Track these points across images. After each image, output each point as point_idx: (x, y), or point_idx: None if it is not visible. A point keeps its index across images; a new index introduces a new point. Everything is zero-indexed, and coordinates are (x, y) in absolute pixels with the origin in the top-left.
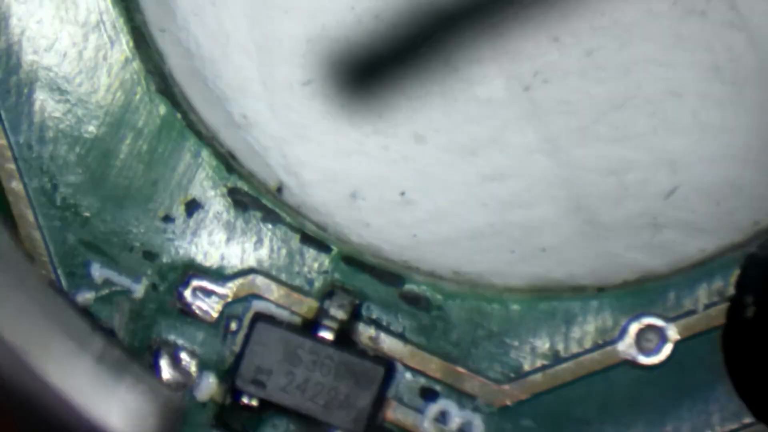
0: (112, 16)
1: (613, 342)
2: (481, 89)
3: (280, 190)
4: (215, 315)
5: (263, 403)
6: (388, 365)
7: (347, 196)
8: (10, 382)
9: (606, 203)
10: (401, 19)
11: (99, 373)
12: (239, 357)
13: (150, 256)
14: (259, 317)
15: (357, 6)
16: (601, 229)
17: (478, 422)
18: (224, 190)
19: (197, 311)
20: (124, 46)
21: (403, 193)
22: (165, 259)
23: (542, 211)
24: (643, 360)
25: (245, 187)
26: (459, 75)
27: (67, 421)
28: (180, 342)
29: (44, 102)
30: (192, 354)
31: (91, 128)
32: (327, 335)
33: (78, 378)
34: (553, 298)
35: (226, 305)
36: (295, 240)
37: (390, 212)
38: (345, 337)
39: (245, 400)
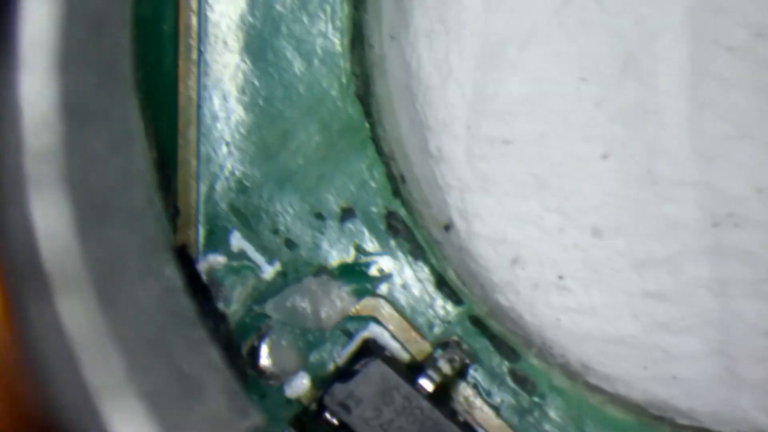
0: (339, 8)
1: None
2: (674, 209)
3: (448, 228)
4: (332, 323)
5: (342, 425)
6: None
7: (508, 260)
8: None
9: (752, 359)
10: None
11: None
12: (338, 373)
13: (291, 244)
14: (372, 344)
15: (582, 87)
16: (737, 380)
17: None
18: (383, 211)
19: (316, 312)
20: (338, 40)
21: (561, 277)
22: (304, 253)
23: (688, 342)
24: None
25: (404, 215)
26: (657, 187)
27: None
28: (289, 335)
29: (248, 67)
30: (296, 350)
31: (281, 105)
32: (427, 385)
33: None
34: (655, 429)
35: (346, 318)
36: (431, 282)
37: (543, 290)
38: (443, 390)
39: (328, 416)
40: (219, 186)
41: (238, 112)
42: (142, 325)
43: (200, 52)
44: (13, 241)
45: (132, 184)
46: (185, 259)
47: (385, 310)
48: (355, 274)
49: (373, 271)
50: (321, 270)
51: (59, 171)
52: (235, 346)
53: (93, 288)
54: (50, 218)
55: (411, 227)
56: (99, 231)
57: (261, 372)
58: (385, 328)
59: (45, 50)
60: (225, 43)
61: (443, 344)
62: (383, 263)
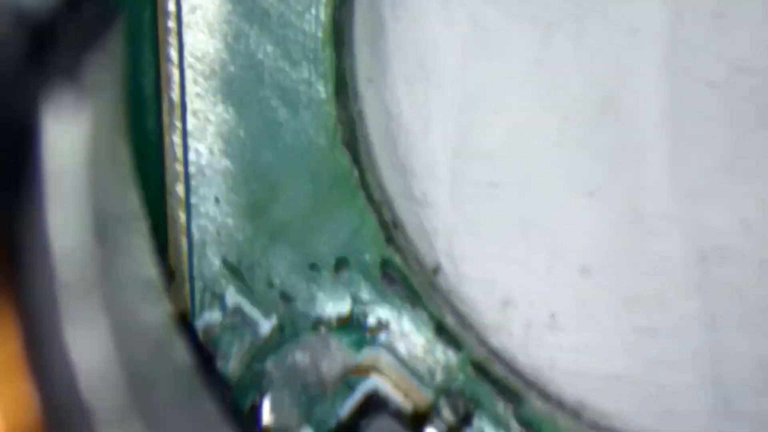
0: (321, 54)
1: None
2: (660, 245)
3: (436, 271)
4: (333, 376)
5: None
6: None
7: (499, 301)
8: None
9: (746, 391)
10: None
11: None
12: (342, 428)
13: (287, 297)
14: (374, 397)
15: (563, 127)
16: (733, 411)
17: None
18: (378, 259)
19: (317, 367)
20: (322, 87)
21: (553, 316)
22: (300, 306)
23: (682, 376)
24: None
25: (399, 263)
26: (643, 224)
27: None
28: (290, 392)
29: (233, 118)
30: (298, 406)
31: (268, 156)
32: None
33: None
34: None
35: (348, 372)
36: (430, 329)
37: (536, 329)
38: None
39: None
40: (210, 242)
41: (226, 165)
42: (170, 423)
43: (183, 106)
44: (53, 383)
45: (144, 289)
46: (186, 327)
47: (386, 361)
48: (353, 326)
49: (371, 321)
50: (318, 323)
51: (93, 301)
52: (240, 411)
53: (136, 415)
54: (89, 353)
55: (407, 274)
56: (130, 352)
57: (264, 431)
58: (387, 378)
59: (72, 179)
60: (208, 94)
61: (446, 392)
62: (381, 312)
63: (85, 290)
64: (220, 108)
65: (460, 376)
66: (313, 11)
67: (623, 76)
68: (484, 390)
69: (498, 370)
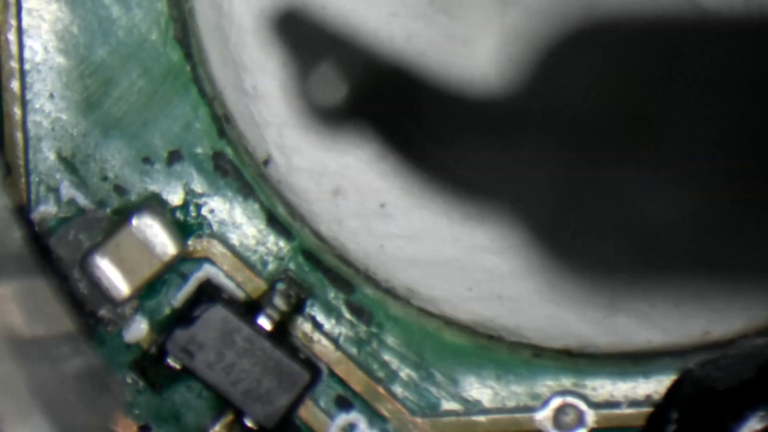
0: None
1: (533, 410)
2: None
3: (266, 162)
4: (165, 265)
5: (185, 369)
6: (314, 372)
7: (329, 191)
8: None
9: (573, 275)
10: (437, 57)
11: None
12: (176, 317)
13: (120, 190)
14: (207, 286)
15: (393, 22)
16: (560, 295)
17: None
18: (210, 152)
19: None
20: None
21: (383, 205)
22: (134, 198)
23: (510, 262)
24: None
25: (231, 155)
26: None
27: None
28: None
29: (66, 16)
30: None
31: (102, 53)
32: (266, 324)
33: None
34: (491, 350)
35: (180, 260)
36: (262, 219)
37: (365, 218)
38: (282, 327)
39: (170, 361)
40: (45, 136)
41: (60, 62)
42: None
43: (18, 4)
44: None
45: None
46: (24, 218)
47: (218, 250)
48: (186, 216)
49: (204, 212)
50: None
51: None
52: (78, 300)
53: None
54: None
55: (238, 166)
56: None
57: (99, 319)
58: (219, 268)
59: None
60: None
61: (278, 281)
62: (213, 203)
63: None
64: (54, 6)
65: (292, 265)
66: None
67: None
68: (315, 278)
69: (329, 258)
